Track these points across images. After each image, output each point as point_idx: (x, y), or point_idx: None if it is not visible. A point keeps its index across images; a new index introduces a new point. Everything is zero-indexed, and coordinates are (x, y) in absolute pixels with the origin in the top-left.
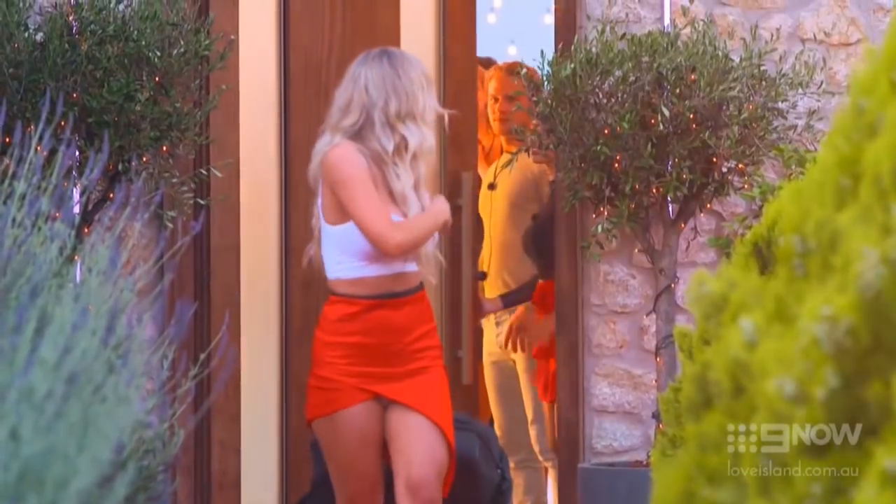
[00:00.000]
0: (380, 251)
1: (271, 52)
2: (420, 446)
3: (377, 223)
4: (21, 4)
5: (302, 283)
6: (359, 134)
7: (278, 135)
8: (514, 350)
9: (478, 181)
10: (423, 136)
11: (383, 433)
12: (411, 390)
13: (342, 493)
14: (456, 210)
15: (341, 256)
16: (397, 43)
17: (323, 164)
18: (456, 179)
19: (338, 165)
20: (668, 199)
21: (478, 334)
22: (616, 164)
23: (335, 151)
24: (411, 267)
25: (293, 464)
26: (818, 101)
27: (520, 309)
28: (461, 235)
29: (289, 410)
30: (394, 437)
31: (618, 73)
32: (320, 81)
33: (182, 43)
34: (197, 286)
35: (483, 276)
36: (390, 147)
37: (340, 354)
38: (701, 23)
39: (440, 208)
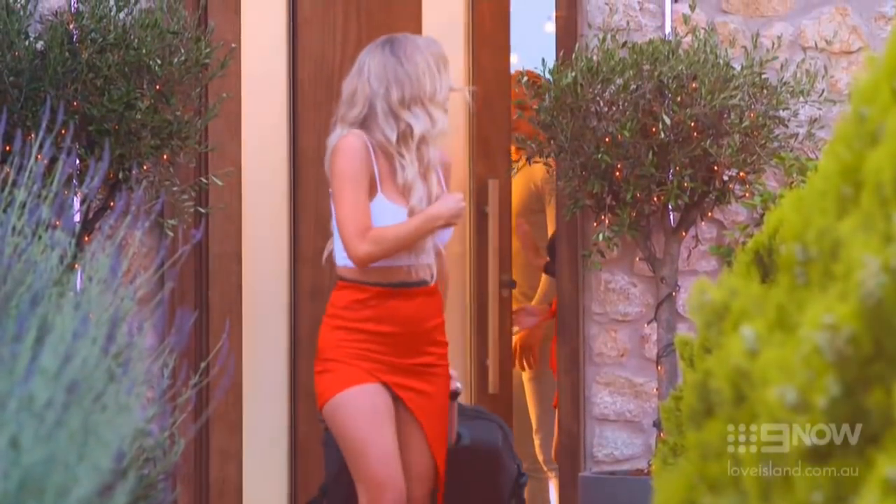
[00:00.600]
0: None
1: (277, 60)
2: (421, 466)
3: (348, 229)
4: (22, 13)
5: (311, 292)
6: (364, 125)
7: (289, 143)
8: (522, 369)
9: (506, 188)
10: (433, 120)
11: (394, 419)
12: (420, 397)
13: (365, 488)
14: (483, 217)
15: None
16: None
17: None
18: (482, 186)
19: (336, 156)
20: (670, 207)
21: (505, 343)
22: (617, 173)
23: (341, 141)
24: (424, 259)
25: (301, 472)
26: (819, 109)
27: (525, 329)
28: (488, 243)
29: (297, 419)
30: (403, 449)
31: (619, 81)
32: (332, 89)
33: (183, 51)
34: (197, 295)
35: (513, 284)
36: (393, 137)
37: (350, 338)
38: (702, 31)
39: (437, 211)
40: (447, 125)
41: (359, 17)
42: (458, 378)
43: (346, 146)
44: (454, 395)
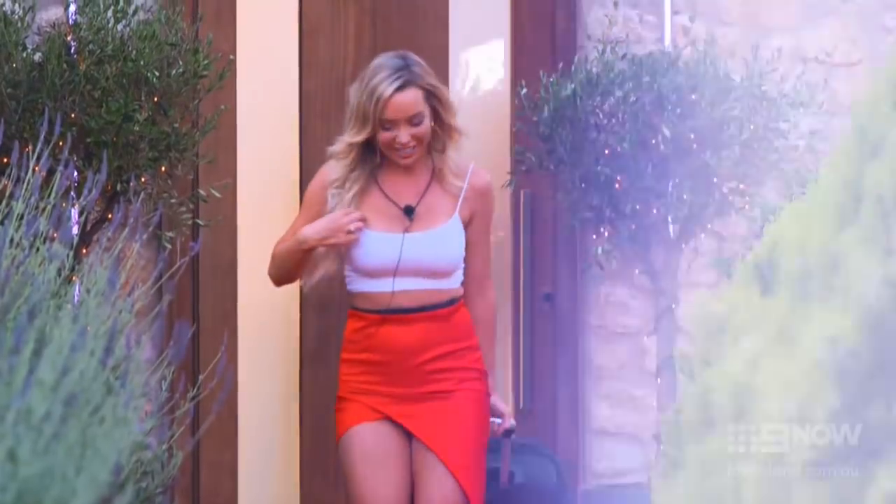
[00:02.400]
0: None
1: (277, 71)
2: (444, 496)
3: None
4: (19, 24)
5: (318, 305)
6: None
7: (298, 154)
8: None
9: (543, 199)
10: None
11: (401, 456)
12: (432, 424)
13: None
14: (515, 229)
15: (346, 268)
16: (445, 59)
17: None
18: (515, 197)
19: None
20: (669, 219)
21: (545, 357)
22: (617, 185)
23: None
24: (422, 283)
25: (304, 486)
26: (820, 121)
27: None
28: (520, 256)
29: (302, 431)
30: (415, 473)
31: (618, 93)
32: (343, 100)
33: (181, 63)
34: (194, 307)
35: (550, 297)
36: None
37: (351, 371)
38: (702, 42)
39: (303, 233)
40: (335, 149)
41: (374, 23)
42: (511, 413)
43: (317, 174)
44: (508, 432)
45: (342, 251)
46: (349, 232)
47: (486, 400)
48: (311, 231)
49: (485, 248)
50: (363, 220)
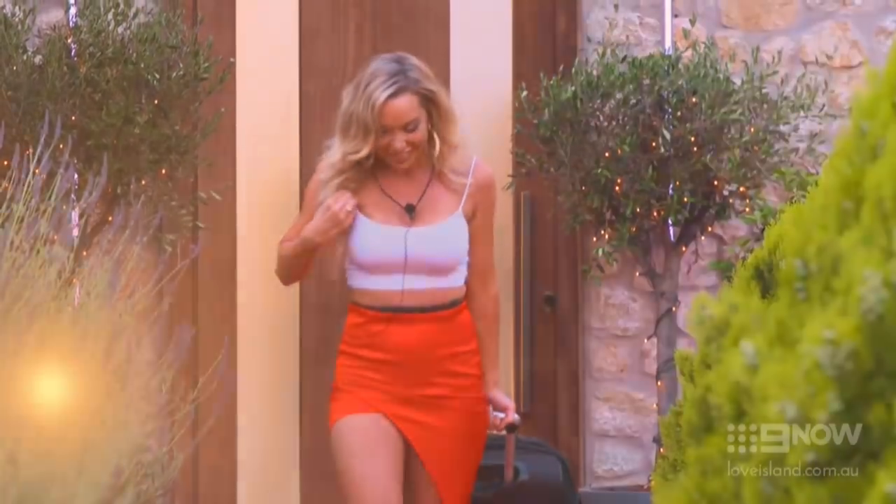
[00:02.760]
0: None
1: (276, 74)
2: None
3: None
4: (20, 27)
5: (317, 307)
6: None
7: (298, 156)
8: None
9: (545, 201)
10: (334, 148)
11: (393, 447)
12: (425, 430)
13: None
14: (516, 232)
15: (348, 263)
16: (445, 61)
17: None
18: (516, 199)
19: None
20: (669, 222)
21: (546, 360)
22: (617, 187)
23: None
24: (424, 283)
25: (304, 488)
26: (820, 123)
27: None
28: (520, 258)
29: (302, 433)
30: (408, 488)
31: (619, 95)
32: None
33: (181, 66)
34: (194, 310)
35: (553, 300)
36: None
37: (350, 364)
38: (702, 45)
39: (305, 231)
40: (334, 156)
41: (374, 26)
42: (514, 407)
43: (316, 171)
44: (512, 428)
45: (346, 238)
46: (348, 213)
47: (484, 407)
48: (313, 232)
49: (488, 240)
50: (352, 205)
